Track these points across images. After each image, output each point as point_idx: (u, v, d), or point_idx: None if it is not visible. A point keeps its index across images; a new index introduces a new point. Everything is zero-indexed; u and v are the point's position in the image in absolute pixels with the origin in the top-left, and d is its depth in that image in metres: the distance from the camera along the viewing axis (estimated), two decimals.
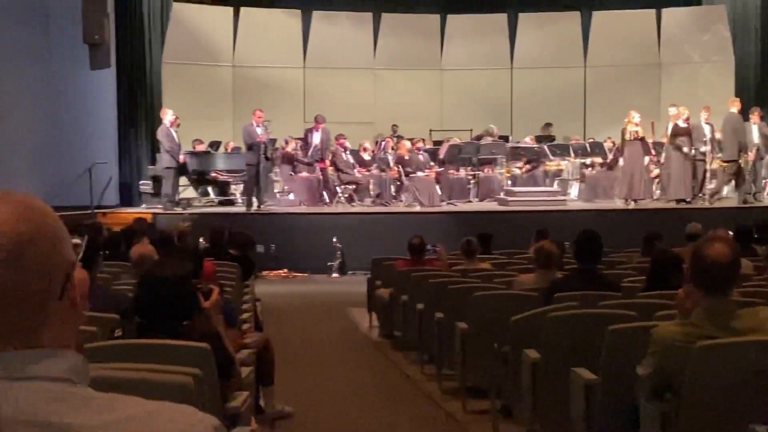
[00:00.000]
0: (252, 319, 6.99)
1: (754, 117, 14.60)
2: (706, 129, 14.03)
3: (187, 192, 15.60)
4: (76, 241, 1.47)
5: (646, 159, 14.33)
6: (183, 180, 15.12)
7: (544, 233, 8.85)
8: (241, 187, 15.44)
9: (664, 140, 14.88)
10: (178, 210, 13.81)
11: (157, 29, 17.21)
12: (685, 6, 19.96)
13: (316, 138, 15.10)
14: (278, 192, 15.59)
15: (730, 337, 3.00)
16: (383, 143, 16.07)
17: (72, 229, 6.09)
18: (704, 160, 13.96)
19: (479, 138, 16.63)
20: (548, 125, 17.55)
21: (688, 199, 13.93)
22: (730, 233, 7.48)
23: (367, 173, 15.49)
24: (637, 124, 13.90)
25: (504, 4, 20.32)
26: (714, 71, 18.88)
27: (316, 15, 19.53)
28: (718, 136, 14.29)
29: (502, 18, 19.97)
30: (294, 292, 11.82)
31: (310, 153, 15.27)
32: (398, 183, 15.32)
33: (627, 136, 13.93)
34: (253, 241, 9.37)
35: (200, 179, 15.39)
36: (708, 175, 14.33)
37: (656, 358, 3.04)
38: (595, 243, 5.48)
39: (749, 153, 14.19)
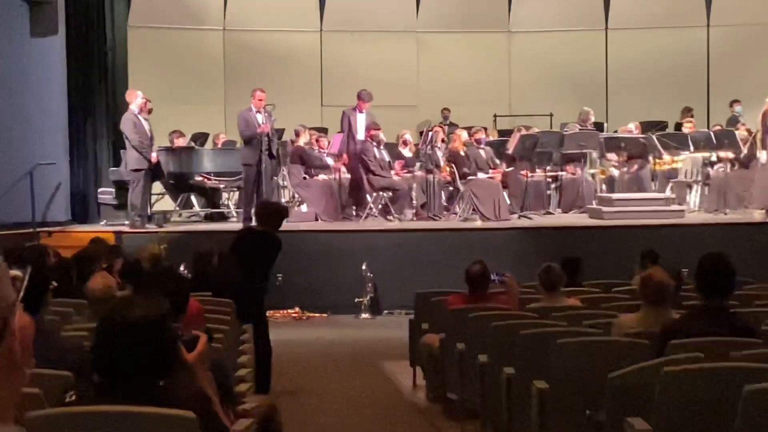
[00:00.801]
0: (252, 377, 7.02)
1: None
2: None
3: (163, 203, 15.71)
4: (15, 272, 1.48)
5: None
6: (157, 186, 15.23)
7: (652, 257, 8.80)
8: (235, 195, 15.50)
9: None
10: (151, 227, 13.90)
11: None
12: None
13: (360, 124, 15.05)
14: (287, 202, 15.64)
15: None
16: (430, 134, 16.06)
17: (8, 254, 6.17)
18: None
19: (564, 126, 16.58)
20: (688, 110, 17.36)
21: None
22: None
23: (408, 175, 15.49)
24: None
25: None
26: None
27: None
28: None
29: None
30: (309, 339, 11.82)
31: (338, 148, 15.36)
32: (451, 189, 15.28)
33: None
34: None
35: (180, 185, 15.50)
36: None
37: None
38: (724, 271, 5.45)
39: None
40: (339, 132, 15.61)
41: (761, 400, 3.76)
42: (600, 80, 19.85)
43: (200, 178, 15.46)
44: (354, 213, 15.07)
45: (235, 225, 14.45)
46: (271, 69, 18.25)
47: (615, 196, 14.94)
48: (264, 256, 8.94)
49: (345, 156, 15.06)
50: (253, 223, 10.08)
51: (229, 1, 19.16)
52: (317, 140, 15.97)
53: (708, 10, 19.60)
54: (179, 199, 15.80)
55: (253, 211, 11.33)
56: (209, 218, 15.49)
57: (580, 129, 16.17)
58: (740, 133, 15.78)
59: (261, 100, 13.83)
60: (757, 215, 14.41)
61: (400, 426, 8.06)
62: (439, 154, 15.63)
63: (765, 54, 18.83)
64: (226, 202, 16.09)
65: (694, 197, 15.59)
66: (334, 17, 19.48)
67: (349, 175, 15.31)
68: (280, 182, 15.49)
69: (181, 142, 15.95)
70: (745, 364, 4.44)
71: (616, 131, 16.98)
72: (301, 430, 7.11)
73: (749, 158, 15.03)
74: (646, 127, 16.80)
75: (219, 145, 16.61)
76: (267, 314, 12.33)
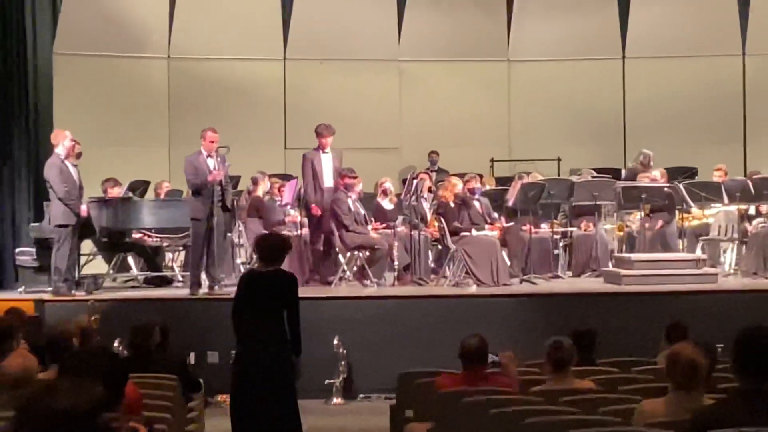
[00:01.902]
0: None
1: None
2: None
3: (94, 265, 15.65)
4: None
5: None
6: (87, 245, 15.18)
7: (680, 330, 8.83)
8: (181, 255, 15.47)
9: None
10: (79, 294, 13.84)
11: (45, 1, 17.45)
12: None
13: (325, 165, 14.98)
14: (243, 263, 15.63)
15: None
16: (415, 182, 16.12)
17: None
18: None
19: (574, 173, 16.67)
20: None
21: None
22: None
23: (388, 231, 15.50)
24: None
25: None
26: None
27: None
28: None
29: None
30: None
31: (292, 197, 15.36)
32: (440, 247, 15.30)
33: None
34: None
35: (115, 243, 15.46)
36: None
37: None
38: (766, 347, 5.46)
39: None
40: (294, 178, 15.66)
41: None
42: (617, 118, 19.99)
43: (139, 235, 15.44)
44: (324, 277, 15.04)
45: (180, 291, 14.43)
46: (225, 105, 18.30)
47: (635, 256, 14.97)
48: (283, 303, 9.03)
49: (315, 207, 14.99)
50: (257, 264, 9.98)
51: (174, 25, 19.19)
52: (279, 189, 15.97)
53: (743, 36, 19.82)
54: (114, 260, 15.73)
55: (253, 248, 11.48)
56: (150, 283, 15.42)
57: (593, 178, 16.23)
58: None
59: (213, 142, 13.79)
60: None
61: None
62: (426, 205, 15.67)
63: None
64: (170, 264, 16.05)
65: (729, 258, 15.64)
66: (300, 43, 19.56)
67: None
68: (235, 239, 15.49)
69: (116, 192, 15.89)
70: None
71: (635, 179, 17.04)
72: None
73: None
74: (673, 174, 16.89)
75: (162, 196, 16.58)
76: (221, 398, 12.42)
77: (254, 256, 15.36)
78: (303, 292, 14.25)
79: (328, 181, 14.90)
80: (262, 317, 8.94)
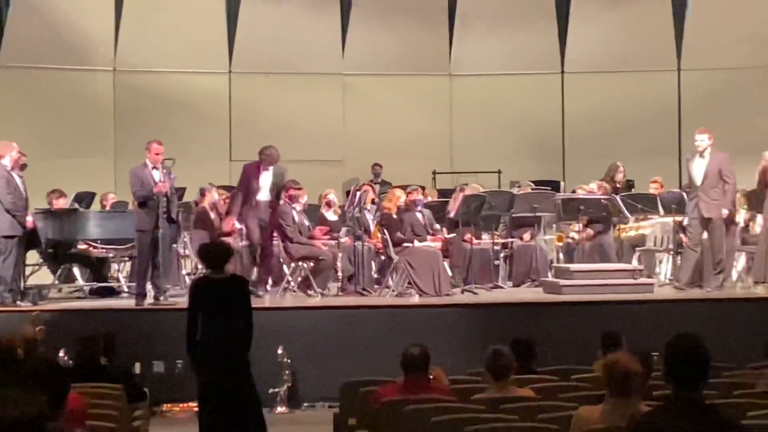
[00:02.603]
0: None
1: None
2: None
3: (40, 275, 15.52)
4: None
5: None
6: (32, 256, 15.05)
7: (615, 339, 8.90)
8: (127, 266, 15.37)
9: None
10: (25, 305, 13.72)
11: None
12: None
13: (264, 180, 14.89)
14: (188, 273, 15.55)
15: None
16: (359, 194, 16.13)
17: None
18: None
19: (514, 185, 16.73)
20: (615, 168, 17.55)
21: None
22: None
23: (332, 243, 15.49)
24: None
25: None
26: None
27: None
28: None
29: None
30: None
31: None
32: (383, 258, 15.30)
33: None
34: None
35: (60, 255, 15.34)
36: None
37: None
38: (697, 356, 5.51)
39: None
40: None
41: None
42: (556, 131, 20.10)
43: (84, 247, 15.32)
44: (269, 288, 15.00)
45: (126, 301, 14.34)
46: (171, 117, 18.24)
47: (574, 267, 15.05)
48: (240, 306, 9.37)
49: (229, 219, 14.78)
50: (206, 270, 10.12)
51: (120, 38, 19.11)
52: (225, 201, 15.90)
53: (679, 52, 20.00)
54: (59, 271, 15.61)
55: (198, 257, 11.59)
56: (95, 293, 15.30)
57: (533, 190, 16.29)
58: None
59: (158, 154, 13.71)
60: (740, 290, 14.62)
61: None
62: (369, 217, 15.67)
63: (745, 103, 19.24)
64: (115, 275, 15.92)
65: (664, 268, 15.75)
66: (245, 57, 19.54)
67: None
68: (181, 251, 15.42)
69: (61, 203, 15.78)
70: None
71: (574, 191, 17.12)
72: None
73: (728, 222, 15.23)
74: (613, 188, 16.98)
75: (107, 207, 16.48)
76: (166, 407, 12.35)
77: (199, 266, 15.40)
78: (252, 302, 14.35)
79: (264, 195, 14.73)
80: (221, 321, 9.15)
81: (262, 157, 14.68)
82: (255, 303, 14.00)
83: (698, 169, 13.88)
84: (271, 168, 14.80)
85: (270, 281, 15.09)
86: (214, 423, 9.10)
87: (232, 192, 15.34)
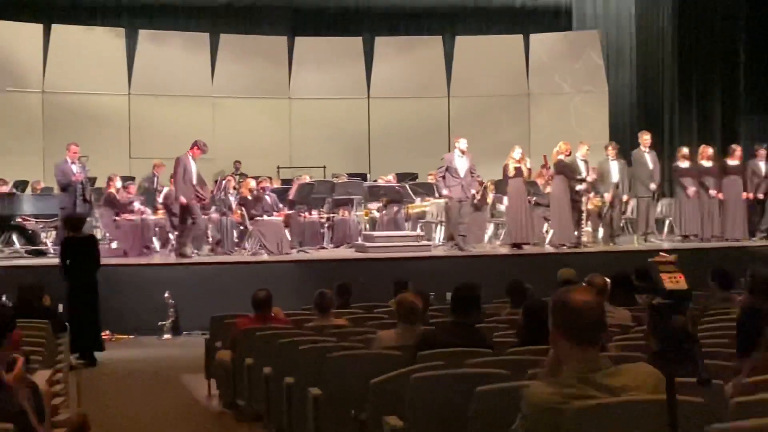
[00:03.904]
0: (66, 392, 6.76)
1: (610, 152, 15.30)
2: (582, 166, 14.58)
3: None
4: None
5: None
6: None
7: (403, 284, 8.95)
8: (53, 234, 14.92)
9: (538, 178, 15.48)
10: None
11: None
12: (555, 31, 20.87)
13: (194, 167, 14.32)
14: (100, 240, 15.18)
15: (605, 396, 3.10)
16: (224, 182, 15.96)
17: None
18: (580, 201, 14.46)
19: (335, 176, 16.76)
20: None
21: (568, 244, 14.38)
22: (607, 280, 7.79)
23: (204, 217, 15.30)
24: (519, 161, 14.30)
25: (359, 27, 20.73)
26: (586, 103, 19.82)
27: (143, 34, 19.33)
28: (593, 175, 14.91)
29: (357, 42, 20.35)
30: (118, 358, 11.44)
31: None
32: (241, 228, 15.20)
33: (510, 173, 14.32)
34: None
35: (3, 226, 14.81)
36: (584, 217, 14.85)
37: (528, 423, 3.11)
38: (473, 296, 5.67)
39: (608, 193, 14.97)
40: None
41: (489, 398, 3.89)
42: (364, 139, 20.18)
43: (20, 220, 14.86)
44: (157, 249, 14.76)
45: (52, 260, 13.91)
46: (86, 126, 17.71)
47: (376, 233, 15.15)
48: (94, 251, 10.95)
49: (182, 198, 13.78)
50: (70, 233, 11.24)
51: (48, 67, 18.52)
52: (126, 188, 15.60)
53: (449, 83, 20.30)
54: (1, 237, 15.07)
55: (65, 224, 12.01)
56: (30, 254, 14.83)
57: (347, 179, 16.37)
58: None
59: (75, 152, 13.43)
60: (488, 248, 14.97)
61: (197, 429, 7.92)
62: (232, 199, 15.52)
63: (494, 119, 19.65)
64: (44, 241, 15.43)
65: (438, 234, 16.01)
66: (141, 82, 19.10)
67: (154, 217, 15.07)
68: (93, 223, 15.03)
69: (4, 188, 15.29)
70: (478, 370, 4.58)
71: (376, 180, 17.25)
72: None
73: (481, 203, 15.55)
74: (401, 177, 17.17)
75: (38, 191, 15.98)
76: None
77: (107, 234, 15.04)
78: (142, 260, 14.11)
79: (194, 179, 14.36)
80: (81, 259, 10.70)
81: (198, 146, 14.09)
82: (150, 261, 13.92)
83: (461, 164, 14.06)
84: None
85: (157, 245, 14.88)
86: (75, 308, 10.54)
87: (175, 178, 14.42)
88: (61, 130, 17.27)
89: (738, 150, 15.68)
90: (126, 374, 10.46)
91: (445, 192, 14.10)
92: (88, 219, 14.23)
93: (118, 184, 15.39)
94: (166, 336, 12.69)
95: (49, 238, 15.19)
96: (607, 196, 15.02)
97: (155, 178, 16.66)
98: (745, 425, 3.08)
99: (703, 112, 18.80)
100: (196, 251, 14.59)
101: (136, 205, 15.29)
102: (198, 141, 14.20)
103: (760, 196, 15.63)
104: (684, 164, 15.45)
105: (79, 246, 10.83)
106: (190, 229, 14.01)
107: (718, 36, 18.50)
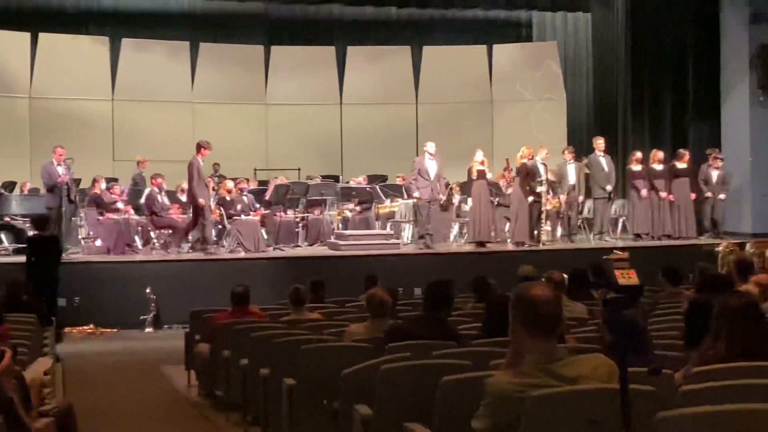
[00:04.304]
0: (52, 382, 6.69)
1: (568, 156, 15.44)
2: (542, 169, 14.67)
3: None
4: None
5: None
6: None
7: (373, 280, 8.97)
8: None
9: (500, 180, 15.54)
10: None
11: None
12: (516, 42, 20.98)
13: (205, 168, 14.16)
14: (83, 238, 15.06)
15: (563, 385, 3.13)
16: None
17: None
18: (540, 201, 14.56)
19: (309, 178, 16.73)
20: None
21: (528, 242, 14.49)
22: (565, 276, 7.84)
23: (184, 216, 15.21)
24: (481, 163, 14.39)
25: (332, 37, 20.70)
26: (546, 109, 19.93)
27: (126, 43, 19.18)
28: (551, 177, 15.02)
29: (330, 51, 20.31)
30: (101, 350, 11.38)
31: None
32: (220, 227, 15.14)
33: (473, 176, 14.38)
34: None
35: None
36: (544, 216, 14.93)
37: (490, 411, 3.13)
38: (446, 292, 5.69)
39: (564, 194, 15.10)
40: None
41: (454, 388, 3.90)
42: (336, 143, 20.13)
43: (8, 219, 14.73)
44: (140, 247, 14.68)
45: None
46: (71, 130, 17.52)
47: (348, 232, 15.16)
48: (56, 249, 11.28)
49: (201, 201, 13.64)
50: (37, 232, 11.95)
51: (35, 73, 18.35)
52: (110, 189, 15.50)
53: (416, 91, 20.31)
54: None
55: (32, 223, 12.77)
56: (18, 252, 14.67)
57: (321, 180, 16.32)
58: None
59: (61, 155, 13.35)
60: (455, 246, 14.99)
61: (176, 418, 7.89)
62: (211, 199, 15.45)
63: (459, 125, 19.69)
64: None
65: (407, 233, 16.03)
66: (124, 88, 18.95)
67: (137, 217, 15.00)
68: (78, 222, 14.91)
69: None
70: (443, 361, 4.59)
71: (348, 182, 17.23)
72: (94, 425, 6.84)
73: (447, 203, 15.57)
74: (372, 179, 17.16)
75: (25, 192, 15.82)
76: (67, 330, 11.98)
77: (91, 233, 14.92)
78: (126, 257, 14.02)
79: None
80: (44, 255, 10.91)
81: (203, 145, 13.97)
82: (132, 258, 13.82)
83: (431, 167, 14.10)
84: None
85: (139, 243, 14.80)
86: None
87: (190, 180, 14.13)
88: (48, 133, 17.09)
89: (686, 154, 15.87)
90: (109, 365, 10.41)
91: (416, 194, 14.14)
92: (72, 218, 14.14)
93: (103, 185, 15.29)
94: (148, 329, 12.62)
95: None
96: (563, 197, 15.15)
97: (141, 174, 16.60)
98: (693, 412, 3.11)
99: (654, 118, 18.94)
100: (177, 249, 14.54)
101: (120, 205, 15.18)
102: (201, 141, 14.13)
103: (708, 195, 15.86)
104: (637, 167, 15.60)
105: (42, 244, 11.05)
106: (205, 228, 13.92)
107: (668, 46, 18.65)
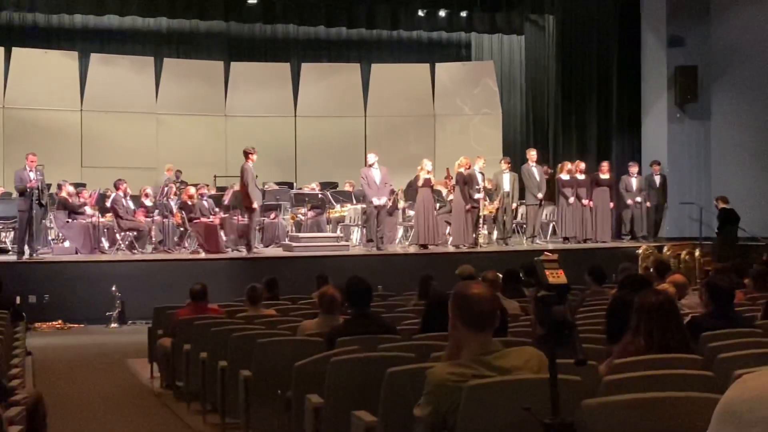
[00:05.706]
0: (22, 374, 6.55)
1: (503, 165, 15.63)
2: (479, 177, 14.79)
3: None
4: None
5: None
6: None
7: (324, 279, 8.95)
8: (12, 234, 14.53)
9: (441, 188, 15.63)
10: None
11: None
12: (457, 61, 21.14)
13: (251, 174, 13.92)
14: (52, 239, 14.79)
15: (497, 375, 3.16)
16: (166, 189, 15.71)
17: None
18: (478, 207, 14.68)
19: (265, 184, 16.62)
20: None
21: (467, 244, 14.58)
22: (500, 275, 7.90)
23: (148, 219, 15.04)
24: (429, 172, 14.47)
25: (287, 54, 20.66)
26: (484, 123, 20.09)
27: (95, 57, 18.91)
28: (487, 185, 15.16)
29: (285, 67, 20.25)
30: (69, 344, 11.20)
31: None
32: (182, 229, 14.99)
33: (420, 183, 14.45)
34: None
35: None
36: (481, 221, 15.05)
37: (431, 399, 3.15)
38: (363, 287, 5.65)
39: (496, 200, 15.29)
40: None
41: (398, 378, 3.90)
42: (291, 152, 20.04)
43: None
44: (106, 248, 14.47)
45: (11, 257, 13.54)
46: (42, 138, 17.19)
47: (301, 235, 15.12)
48: None
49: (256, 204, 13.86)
50: None
51: (8, 85, 18.01)
52: (78, 193, 15.25)
53: (365, 105, 20.32)
54: None
55: None
56: None
57: (276, 187, 16.24)
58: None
59: (33, 161, 13.10)
60: (399, 248, 14.99)
61: (140, 408, 7.79)
62: (173, 204, 15.29)
63: (404, 137, 19.74)
64: (4, 240, 15.00)
65: (356, 236, 16.03)
66: (92, 100, 18.65)
67: (103, 219, 14.78)
68: (48, 224, 14.65)
69: None
70: (388, 354, 4.59)
71: (302, 189, 17.17)
72: (62, 414, 6.72)
73: (392, 209, 15.61)
74: (324, 186, 17.12)
75: None
76: (37, 325, 11.74)
77: (60, 234, 14.66)
78: (93, 257, 13.79)
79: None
80: None
81: (248, 152, 13.97)
82: (101, 257, 13.59)
83: (376, 176, 14.12)
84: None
85: (105, 244, 14.58)
86: None
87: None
88: (20, 141, 16.77)
89: (606, 165, 16.22)
90: (77, 358, 10.25)
91: (375, 200, 14.07)
92: (42, 221, 13.90)
93: (70, 188, 15.05)
94: (113, 325, 12.45)
95: (8, 238, 14.77)
96: (496, 203, 15.31)
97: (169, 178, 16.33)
98: (614, 399, 3.16)
99: (581, 131, 19.17)
100: (141, 250, 14.37)
101: (88, 209, 14.96)
102: (247, 148, 14.04)
103: (630, 202, 16.15)
104: (565, 176, 15.80)
105: None
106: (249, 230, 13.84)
107: (593, 65, 18.89)
